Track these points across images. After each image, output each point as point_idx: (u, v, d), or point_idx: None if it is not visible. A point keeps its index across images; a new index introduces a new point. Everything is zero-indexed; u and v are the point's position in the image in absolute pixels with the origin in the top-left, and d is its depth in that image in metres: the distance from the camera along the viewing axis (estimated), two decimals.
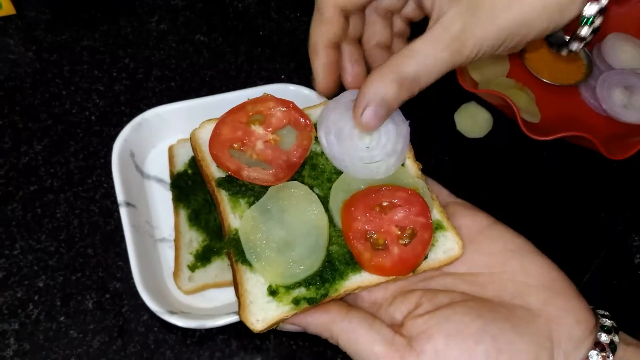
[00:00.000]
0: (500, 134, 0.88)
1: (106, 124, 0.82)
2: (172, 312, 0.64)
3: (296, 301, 0.50)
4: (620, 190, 0.86)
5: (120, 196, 0.70)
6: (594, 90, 0.91)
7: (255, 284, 0.51)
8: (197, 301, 0.70)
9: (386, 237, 0.51)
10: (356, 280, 0.52)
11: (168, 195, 0.75)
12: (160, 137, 0.78)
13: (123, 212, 0.69)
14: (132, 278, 0.65)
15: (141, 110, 0.76)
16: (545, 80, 0.92)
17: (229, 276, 0.70)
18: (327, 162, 0.56)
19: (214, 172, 0.56)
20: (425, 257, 0.53)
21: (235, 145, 0.54)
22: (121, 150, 0.73)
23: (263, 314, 0.50)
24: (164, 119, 0.77)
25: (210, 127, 0.57)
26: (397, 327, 0.50)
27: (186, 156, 0.77)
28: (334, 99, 0.57)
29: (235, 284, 0.52)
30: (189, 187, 0.74)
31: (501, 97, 0.79)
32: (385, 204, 0.52)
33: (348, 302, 0.54)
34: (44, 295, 0.70)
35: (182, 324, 0.64)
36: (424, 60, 0.50)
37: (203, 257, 0.70)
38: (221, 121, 0.56)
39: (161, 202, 0.76)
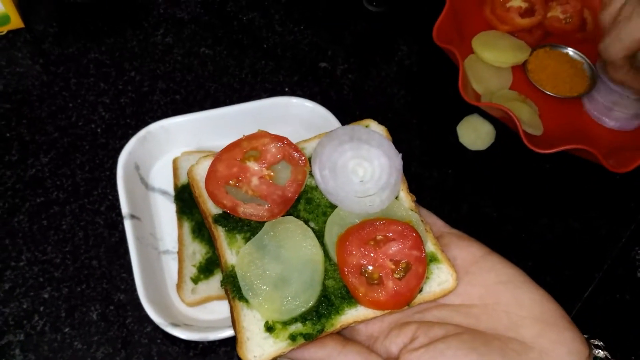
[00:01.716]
0: (503, 146, 0.88)
1: (112, 136, 0.83)
2: (175, 325, 0.65)
3: (293, 337, 0.50)
4: (623, 203, 0.86)
5: (124, 208, 0.71)
6: (597, 102, 0.92)
7: (252, 320, 0.51)
8: (200, 313, 0.70)
9: (381, 271, 0.51)
10: (352, 314, 0.52)
11: (172, 207, 0.76)
12: (165, 150, 0.79)
13: (127, 224, 0.70)
14: (135, 290, 0.66)
15: (146, 123, 0.77)
16: (548, 93, 0.93)
17: None
18: (322, 196, 0.56)
19: (211, 208, 0.56)
20: (420, 290, 0.53)
21: (231, 182, 0.55)
22: (126, 163, 0.74)
23: (260, 350, 0.50)
24: (168, 132, 0.78)
25: (207, 163, 0.57)
26: None
27: None
28: (328, 133, 0.58)
29: (233, 320, 0.52)
30: (192, 199, 0.75)
31: (503, 110, 0.80)
32: (379, 237, 0.53)
33: (344, 335, 0.54)
34: (49, 306, 0.71)
35: (185, 337, 0.65)
36: None
37: (206, 270, 0.71)
38: (217, 159, 0.56)
39: (165, 215, 0.76)
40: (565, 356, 0.49)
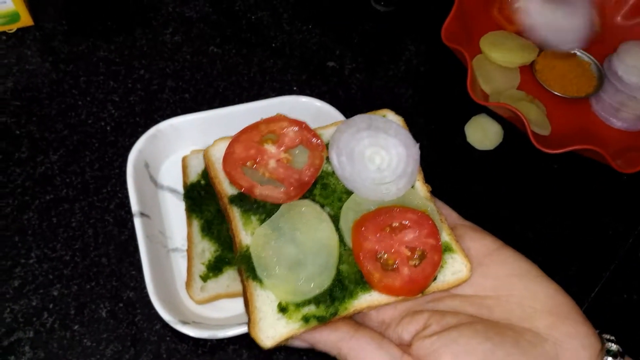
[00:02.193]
0: (511, 146, 0.88)
1: (121, 134, 0.83)
2: (184, 322, 0.65)
3: (306, 319, 0.51)
4: (630, 203, 0.86)
5: (134, 206, 0.71)
6: (605, 102, 0.92)
7: (265, 300, 0.52)
8: (209, 311, 0.70)
9: (396, 258, 0.52)
10: (366, 299, 0.52)
11: (181, 205, 0.76)
12: (174, 148, 0.79)
13: (137, 222, 0.70)
14: (145, 287, 0.66)
15: (155, 121, 0.78)
16: (556, 93, 0.93)
17: (240, 286, 0.71)
18: (338, 182, 0.57)
19: (227, 189, 0.57)
20: (434, 279, 0.53)
21: (248, 164, 0.56)
22: (136, 161, 0.75)
23: (273, 330, 0.50)
24: (177, 130, 0.78)
25: (223, 145, 0.58)
26: (405, 347, 0.51)
27: (199, 167, 0.78)
28: (346, 121, 0.59)
29: (246, 301, 0.53)
30: (201, 197, 0.75)
31: (511, 109, 0.80)
32: (395, 225, 0.53)
33: (357, 321, 0.54)
34: (58, 303, 0.71)
35: (194, 334, 0.65)
36: None
37: (215, 268, 0.71)
38: (235, 140, 0.57)
39: (174, 213, 0.77)
40: (579, 349, 0.50)
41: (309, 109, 0.81)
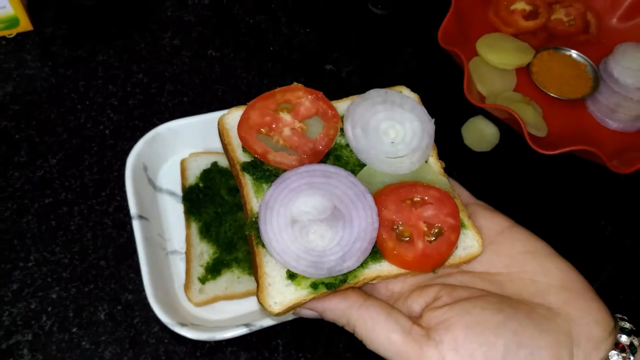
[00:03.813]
0: (507, 148, 0.89)
1: (120, 138, 0.84)
2: (182, 324, 0.65)
3: (314, 285, 0.50)
4: (626, 203, 0.86)
5: (133, 209, 0.72)
6: (601, 104, 0.92)
7: (274, 267, 0.51)
8: (207, 313, 0.71)
9: (412, 231, 0.51)
10: (376, 269, 0.52)
11: (180, 208, 0.77)
12: (173, 151, 0.80)
13: (136, 224, 0.71)
14: (143, 290, 0.67)
15: (154, 125, 0.78)
16: (552, 95, 0.93)
17: (238, 288, 0.71)
18: (351, 154, 0.57)
19: (240, 156, 0.57)
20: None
21: (263, 130, 0.55)
22: (134, 164, 0.75)
23: (281, 297, 0.50)
24: (176, 134, 0.79)
25: (238, 113, 0.57)
26: (415, 319, 0.50)
27: (197, 170, 0.78)
28: (361, 95, 0.59)
29: (255, 267, 0.52)
30: (200, 200, 0.76)
31: (508, 111, 0.80)
32: (417, 199, 0.53)
33: (366, 291, 0.54)
34: (57, 306, 0.71)
35: (192, 336, 0.65)
36: None
37: (213, 270, 0.71)
38: (250, 106, 0.56)
39: (173, 215, 0.77)
40: (592, 324, 0.49)
41: None
